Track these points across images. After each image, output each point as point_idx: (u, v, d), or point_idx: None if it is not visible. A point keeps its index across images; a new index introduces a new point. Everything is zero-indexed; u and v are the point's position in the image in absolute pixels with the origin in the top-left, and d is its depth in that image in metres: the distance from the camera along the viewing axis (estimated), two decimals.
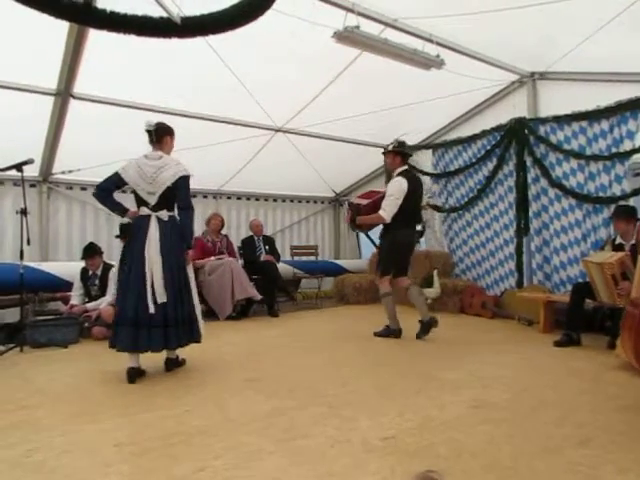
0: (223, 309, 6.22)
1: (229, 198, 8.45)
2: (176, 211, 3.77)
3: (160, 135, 3.77)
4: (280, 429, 2.65)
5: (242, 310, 6.50)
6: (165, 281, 3.59)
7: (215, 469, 2.19)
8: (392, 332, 5.08)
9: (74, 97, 5.21)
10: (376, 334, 5.12)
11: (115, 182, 3.72)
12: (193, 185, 7.80)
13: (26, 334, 4.62)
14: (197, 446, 2.44)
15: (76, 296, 5.38)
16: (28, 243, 4.47)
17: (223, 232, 6.93)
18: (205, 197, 8.12)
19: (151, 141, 3.77)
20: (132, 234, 3.70)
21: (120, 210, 3.74)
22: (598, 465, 2.22)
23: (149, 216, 3.67)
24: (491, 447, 2.41)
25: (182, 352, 3.94)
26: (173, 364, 3.87)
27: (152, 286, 3.54)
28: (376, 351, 4.51)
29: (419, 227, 7.71)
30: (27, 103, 5.09)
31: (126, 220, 3.89)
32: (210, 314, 6.37)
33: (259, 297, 6.41)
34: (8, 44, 4.34)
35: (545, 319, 5.35)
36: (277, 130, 6.96)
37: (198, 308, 3.89)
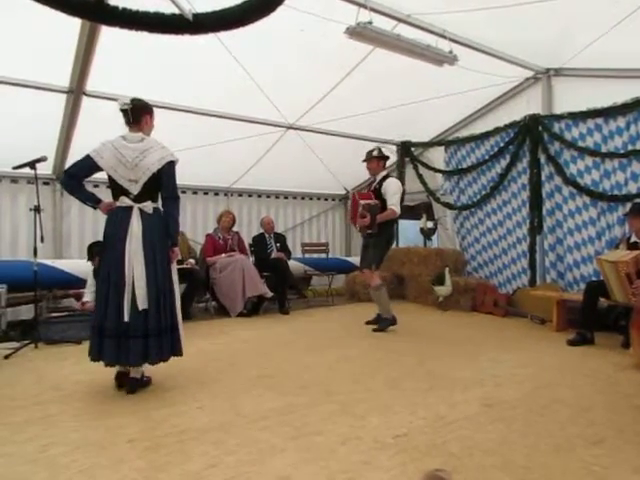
0: (234, 306, 6.23)
1: (240, 195, 8.46)
2: (159, 202, 3.32)
3: (138, 114, 3.28)
4: (292, 426, 2.65)
5: (253, 307, 6.51)
6: (147, 285, 3.14)
7: (227, 465, 2.20)
8: (391, 322, 5.29)
9: (86, 95, 5.23)
10: (375, 330, 5.28)
11: (87, 168, 3.19)
12: (204, 182, 7.84)
13: (40, 331, 4.66)
14: (209, 442, 2.45)
15: (89, 293, 5.40)
16: (42, 240, 4.50)
17: (234, 229, 6.94)
18: (216, 194, 8.14)
19: (128, 122, 3.28)
20: (108, 230, 3.22)
21: (93, 201, 3.26)
22: (612, 465, 2.20)
23: (130, 208, 3.18)
24: (504, 445, 2.40)
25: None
26: (135, 384, 3.24)
27: (132, 291, 3.10)
28: (387, 349, 4.50)
29: (431, 224, 7.75)
30: (40, 101, 5.12)
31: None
32: (221, 311, 6.40)
33: (270, 294, 6.42)
34: (20, 42, 4.37)
35: (558, 318, 5.30)
36: (288, 127, 6.95)
37: (180, 314, 3.41)
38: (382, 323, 5.32)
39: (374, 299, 5.46)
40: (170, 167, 3.23)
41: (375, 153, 5.46)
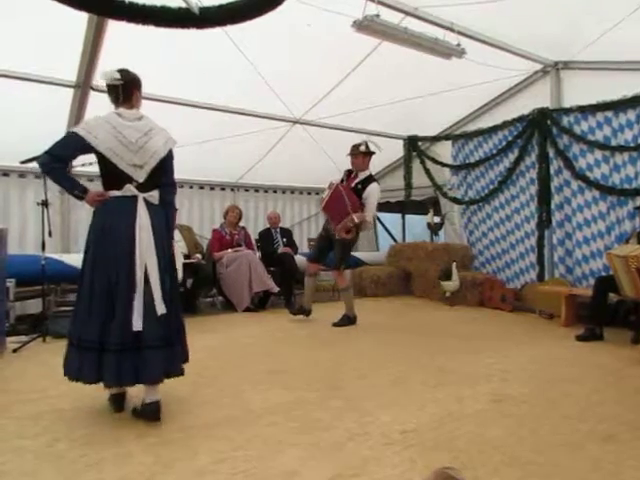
0: (241, 301, 6.24)
1: (247, 190, 8.45)
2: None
3: (129, 89, 2.78)
4: (299, 421, 2.64)
5: (260, 302, 6.52)
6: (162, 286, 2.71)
7: (235, 460, 2.20)
8: (352, 321, 5.36)
9: (94, 89, 5.23)
10: (335, 324, 5.33)
11: (74, 148, 2.65)
12: (210, 177, 7.84)
13: (48, 325, 4.68)
14: (217, 438, 2.45)
15: None
16: (50, 235, 4.51)
17: (241, 224, 6.94)
18: (223, 189, 8.14)
19: (116, 99, 2.78)
20: (104, 224, 2.68)
21: (80, 190, 2.68)
22: (622, 461, 2.18)
23: (134, 198, 2.70)
24: (512, 441, 2.38)
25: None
26: (159, 407, 2.67)
27: (143, 294, 2.63)
28: (394, 344, 4.48)
29: (438, 219, 7.72)
30: (47, 95, 5.14)
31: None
32: (228, 306, 6.41)
33: (276, 289, 6.42)
34: (27, 36, 4.37)
35: (567, 313, 5.26)
36: (295, 122, 6.93)
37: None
38: (345, 320, 5.35)
39: (343, 299, 5.56)
40: (172, 151, 2.91)
41: (362, 148, 5.23)
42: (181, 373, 2.83)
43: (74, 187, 2.69)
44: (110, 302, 2.61)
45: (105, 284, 2.62)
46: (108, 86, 2.78)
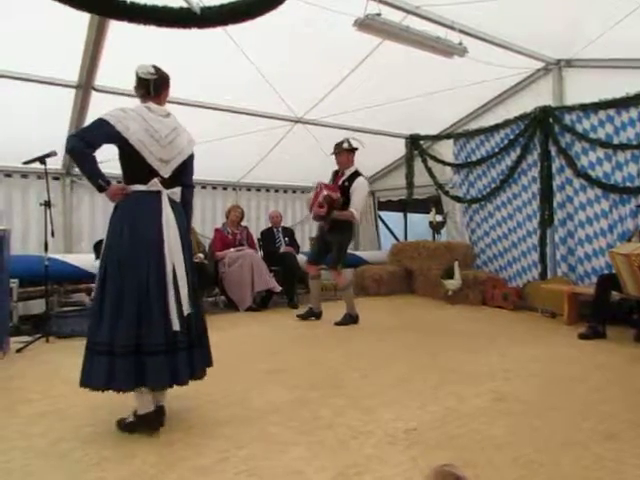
0: (243, 300, 6.25)
1: (248, 190, 8.45)
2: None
3: (160, 86, 2.75)
4: (302, 420, 2.65)
5: (262, 301, 6.52)
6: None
7: (238, 459, 2.20)
8: (354, 320, 5.37)
9: (95, 89, 5.24)
10: (337, 323, 5.34)
11: (105, 137, 2.52)
12: (212, 177, 7.85)
13: (51, 325, 4.70)
14: (220, 437, 2.46)
15: None
16: (52, 235, 4.53)
17: (243, 224, 6.95)
18: (225, 189, 8.14)
19: (146, 93, 2.72)
20: (130, 220, 2.56)
21: (105, 182, 2.54)
22: (624, 459, 2.18)
23: (158, 194, 2.62)
24: (515, 440, 2.38)
25: None
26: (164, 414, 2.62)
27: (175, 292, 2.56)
28: (396, 343, 4.49)
29: (440, 218, 7.72)
30: (49, 96, 5.14)
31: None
32: (230, 305, 6.42)
33: (279, 288, 6.43)
34: (29, 37, 4.37)
35: (569, 311, 5.25)
36: (297, 121, 6.93)
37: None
38: (348, 318, 5.36)
39: (312, 290, 5.65)
40: (193, 152, 2.87)
41: (345, 146, 5.25)
42: (202, 376, 2.73)
43: (100, 176, 2.53)
44: (143, 303, 2.48)
45: (135, 285, 2.49)
46: (140, 79, 2.71)
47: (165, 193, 2.63)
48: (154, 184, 2.61)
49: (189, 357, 2.59)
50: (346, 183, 5.22)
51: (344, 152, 5.26)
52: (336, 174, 5.39)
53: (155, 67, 2.72)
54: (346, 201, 5.15)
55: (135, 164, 2.60)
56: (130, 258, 2.51)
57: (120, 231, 2.55)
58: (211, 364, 2.80)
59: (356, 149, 5.32)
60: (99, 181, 2.52)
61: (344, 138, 5.38)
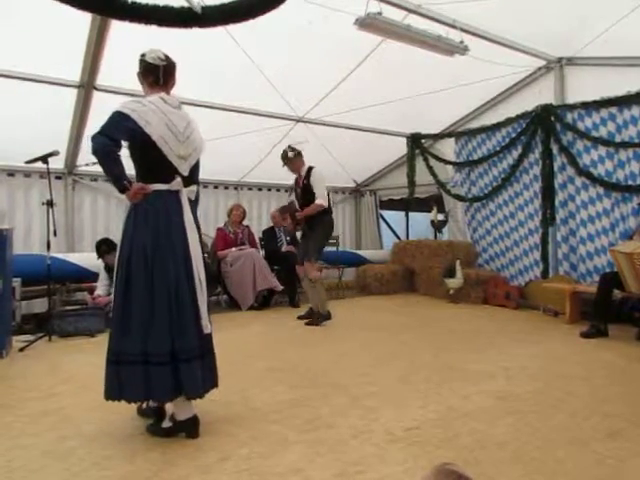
0: (245, 300, 6.25)
1: (250, 189, 8.46)
2: None
3: (169, 74, 2.57)
4: (303, 419, 2.66)
5: (264, 301, 6.53)
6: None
7: (240, 458, 2.21)
8: (325, 317, 5.27)
9: (97, 89, 5.25)
10: (308, 324, 5.29)
11: (126, 133, 2.34)
12: (214, 176, 7.85)
13: (54, 323, 4.71)
14: (222, 435, 2.46)
15: (101, 287, 5.46)
16: (55, 234, 4.54)
17: (244, 223, 6.95)
18: (226, 188, 8.15)
19: (155, 81, 2.53)
20: (153, 223, 2.41)
21: (128, 181, 2.37)
22: (627, 458, 2.18)
23: (177, 193, 2.47)
24: (517, 438, 2.38)
25: None
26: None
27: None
28: (398, 341, 4.49)
29: (441, 217, 7.71)
30: (51, 96, 5.15)
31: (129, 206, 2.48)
32: (232, 304, 6.43)
33: (280, 288, 6.44)
34: (31, 37, 4.39)
35: (571, 310, 5.25)
36: (298, 120, 6.93)
37: None
38: (317, 318, 5.27)
39: (308, 292, 5.50)
40: None
41: (291, 155, 5.30)
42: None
43: (124, 176, 2.35)
44: (174, 309, 2.37)
45: (165, 290, 2.36)
46: (148, 65, 2.52)
47: (185, 192, 2.49)
48: (177, 183, 2.46)
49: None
50: (305, 181, 5.30)
51: (292, 161, 5.32)
52: (296, 181, 5.47)
53: (164, 53, 2.56)
54: (311, 197, 5.21)
55: (154, 161, 2.43)
56: (159, 262, 2.38)
57: (144, 235, 2.39)
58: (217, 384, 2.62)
59: (300, 152, 5.37)
60: (123, 182, 2.35)
61: (285, 147, 5.42)
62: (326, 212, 5.28)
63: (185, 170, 2.51)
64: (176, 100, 2.55)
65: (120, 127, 2.32)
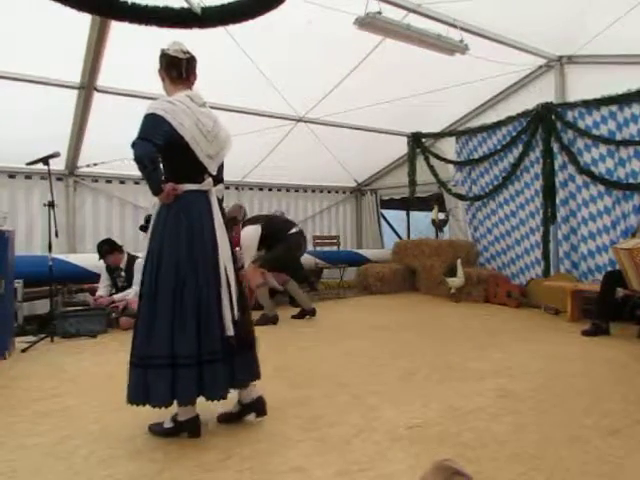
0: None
1: (251, 189, 8.47)
2: None
3: (191, 68, 2.54)
4: (306, 418, 2.66)
5: None
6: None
7: (242, 457, 2.21)
8: (271, 319, 5.38)
9: (98, 90, 5.27)
10: (255, 323, 5.33)
11: (166, 138, 2.29)
12: None
13: (56, 324, 4.72)
14: (224, 434, 2.47)
15: (103, 287, 5.47)
16: (56, 235, 4.55)
17: None
18: (227, 188, 8.12)
19: (179, 75, 2.50)
20: (186, 223, 2.39)
21: (163, 184, 2.36)
22: (628, 455, 2.18)
23: (206, 192, 2.45)
24: (518, 436, 2.39)
25: None
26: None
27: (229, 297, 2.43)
28: (399, 341, 4.49)
29: (442, 216, 7.72)
30: (52, 97, 5.16)
31: (157, 206, 2.46)
32: None
33: (281, 288, 6.42)
34: (32, 38, 4.40)
35: (572, 308, 5.25)
36: (299, 120, 6.93)
37: None
38: (263, 318, 5.31)
39: (295, 294, 5.77)
40: None
41: (240, 217, 5.74)
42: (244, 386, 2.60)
43: (158, 181, 2.34)
44: (202, 311, 2.35)
45: (194, 291, 2.35)
46: (171, 59, 2.48)
47: (214, 192, 2.47)
48: (208, 183, 2.44)
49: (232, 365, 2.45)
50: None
51: (239, 224, 5.63)
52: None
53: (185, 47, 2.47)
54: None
55: (186, 161, 2.40)
56: (189, 264, 2.36)
57: (176, 235, 2.37)
58: (258, 376, 2.63)
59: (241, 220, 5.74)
60: (155, 186, 2.34)
61: (232, 211, 5.68)
62: (276, 238, 5.46)
63: (214, 169, 2.49)
64: (200, 98, 2.51)
65: (159, 131, 2.28)
